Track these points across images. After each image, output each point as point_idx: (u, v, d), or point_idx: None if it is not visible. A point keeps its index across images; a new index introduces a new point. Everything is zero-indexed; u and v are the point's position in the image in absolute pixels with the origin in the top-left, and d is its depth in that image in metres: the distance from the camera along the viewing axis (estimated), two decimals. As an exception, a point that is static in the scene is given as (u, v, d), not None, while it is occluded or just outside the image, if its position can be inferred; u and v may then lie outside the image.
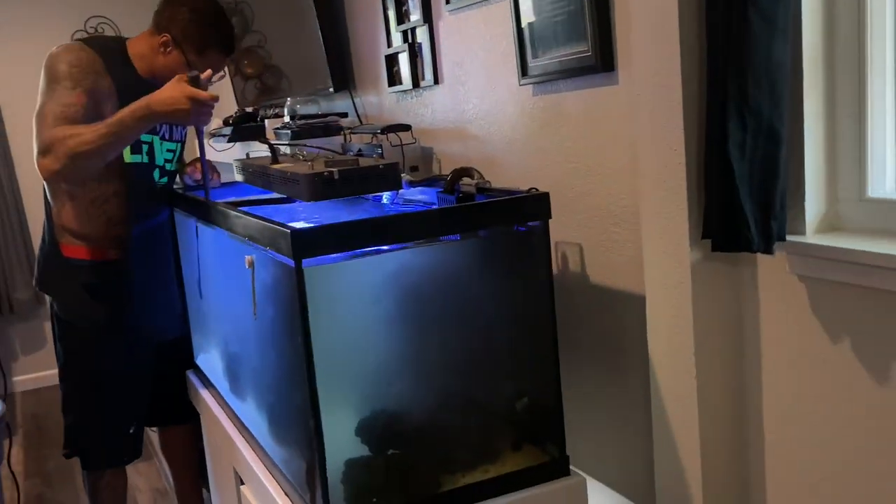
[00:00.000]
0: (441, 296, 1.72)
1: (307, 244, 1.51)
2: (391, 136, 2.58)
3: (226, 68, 2.57)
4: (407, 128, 2.56)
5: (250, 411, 2.10)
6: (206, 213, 2.16)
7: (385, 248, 1.62)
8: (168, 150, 2.57)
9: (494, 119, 2.24)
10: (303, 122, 2.94)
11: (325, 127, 2.93)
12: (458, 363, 1.74)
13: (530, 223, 1.71)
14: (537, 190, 1.71)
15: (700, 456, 1.60)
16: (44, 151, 2.20)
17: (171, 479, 3.08)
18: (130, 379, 2.56)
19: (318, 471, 1.57)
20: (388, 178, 2.00)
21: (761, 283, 1.52)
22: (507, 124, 2.18)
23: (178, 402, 2.73)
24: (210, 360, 2.53)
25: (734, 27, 1.29)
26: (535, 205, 1.68)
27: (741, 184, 1.33)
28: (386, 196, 2.22)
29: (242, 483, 2.09)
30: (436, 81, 2.49)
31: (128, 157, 2.43)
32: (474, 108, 2.33)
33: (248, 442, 2.07)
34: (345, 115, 3.07)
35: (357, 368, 1.67)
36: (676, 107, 1.50)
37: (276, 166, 2.22)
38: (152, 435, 3.95)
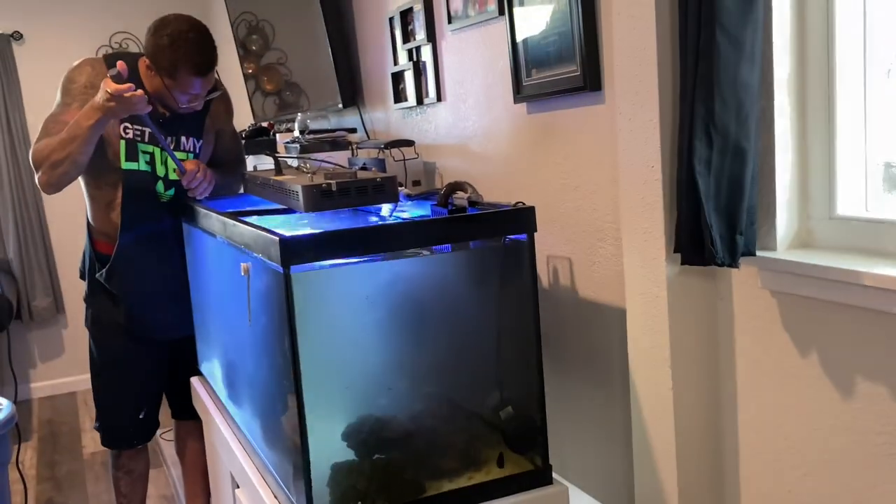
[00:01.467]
0: (428, 305, 1.77)
1: (295, 251, 1.56)
2: (395, 150, 2.65)
3: (218, 85, 2.65)
4: (410, 143, 2.63)
5: (246, 416, 2.15)
6: (205, 221, 2.23)
7: (373, 257, 1.68)
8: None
9: (492, 135, 2.29)
10: (311, 136, 3.02)
11: (332, 142, 3.01)
12: (444, 371, 1.79)
13: (516, 236, 1.75)
14: (524, 204, 1.76)
15: (676, 465, 1.63)
16: (35, 168, 2.47)
17: (180, 480, 3.15)
18: (131, 370, 2.70)
19: (303, 474, 1.62)
20: (385, 190, 2.05)
21: (734, 298, 1.56)
22: (504, 141, 2.23)
23: (188, 397, 2.80)
24: (211, 366, 2.59)
25: (703, 48, 1.34)
26: (521, 218, 1.73)
27: (706, 199, 1.37)
28: (386, 209, 2.28)
29: (238, 487, 2.14)
30: (439, 98, 2.55)
31: (123, 163, 2.53)
32: (474, 124, 2.38)
33: (243, 447, 2.12)
34: (353, 130, 3.14)
35: (344, 374, 1.72)
36: (653, 125, 1.55)
37: (277, 178, 2.28)
38: (161, 442, 4.03)
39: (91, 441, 4.49)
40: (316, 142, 2.96)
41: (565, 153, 1.98)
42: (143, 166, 2.57)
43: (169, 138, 2.63)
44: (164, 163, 2.62)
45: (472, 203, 1.92)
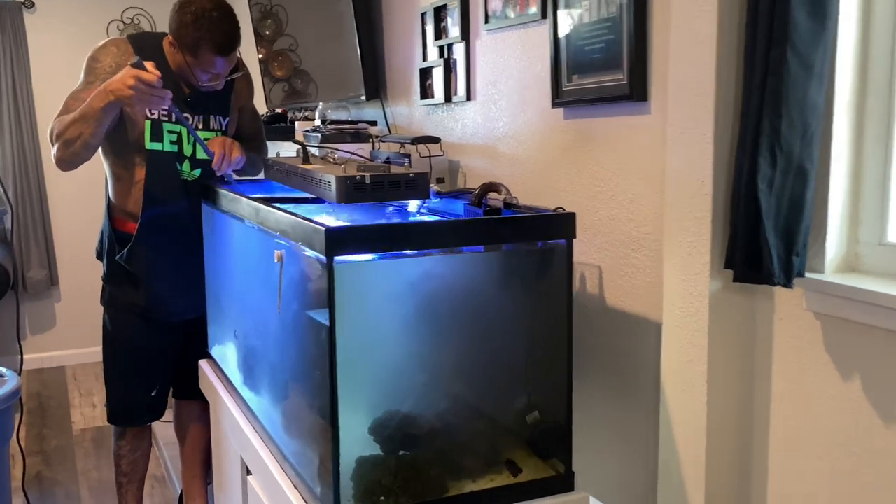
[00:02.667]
0: (462, 305, 1.76)
1: (340, 242, 1.55)
2: (419, 147, 2.64)
3: (240, 66, 2.65)
4: (436, 140, 2.62)
5: (264, 403, 2.14)
6: (233, 205, 2.21)
7: (413, 252, 1.67)
8: (204, 139, 2.62)
9: (524, 138, 2.29)
10: (333, 126, 3.00)
11: (354, 133, 3.00)
12: (473, 371, 1.79)
13: (554, 241, 1.75)
14: (563, 209, 1.76)
15: (705, 481, 1.63)
16: (51, 143, 2.50)
17: (172, 460, 3.14)
18: (146, 348, 2.71)
19: (332, 466, 1.61)
20: (417, 186, 2.05)
21: (777, 317, 1.57)
22: (536, 145, 2.23)
23: (196, 378, 2.80)
24: (224, 350, 2.58)
25: (772, 67, 1.34)
26: (561, 224, 1.73)
27: (767, 218, 1.37)
28: (413, 204, 2.26)
29: (250, 473, 2.13)
30: (468, 98, 2.54)
31: (147, 143, 2.53)
32: (505, 126, 2.38)
33: (257, 433, 2.11)
34: (374, 123, 3.13)
35: (374, 368, 1.71)
36: (707, 139, 1.55)
37: (307, 167, 2.27)
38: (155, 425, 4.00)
39: (80, 417, 4.45)
40: (337, 132, 2.95)
41: (602, 161, 1.98)
42: (167, 146, 2.56)
43: (197, 117, 2.63)
44: (192, 142, 2.60)
45: (508, 205, 1.91)
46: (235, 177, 2.74)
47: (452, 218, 1.85)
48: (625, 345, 1.94)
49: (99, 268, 2.74)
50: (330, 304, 1.57)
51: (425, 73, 2.78)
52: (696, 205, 1.59)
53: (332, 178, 1.98)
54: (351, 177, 1.98)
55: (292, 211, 1.83)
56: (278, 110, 3.86)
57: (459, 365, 1.78)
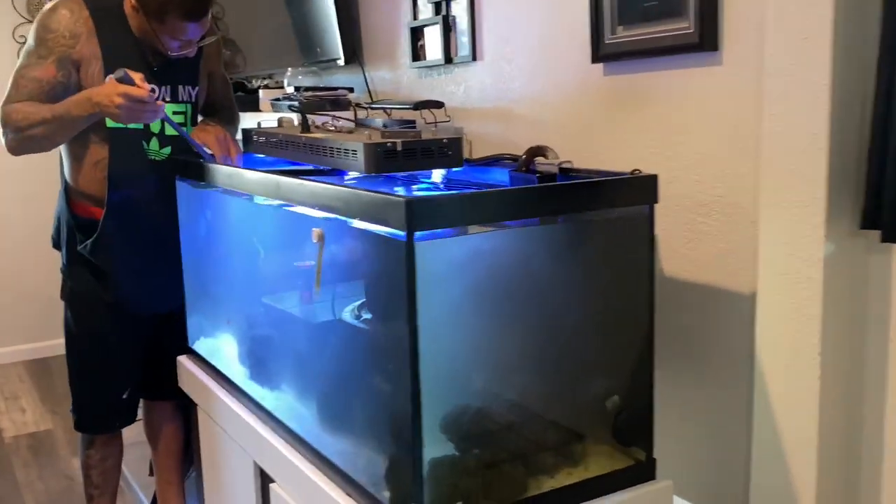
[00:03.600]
0: (535, 283, 1.57)
1: (423, 216, 1.34)
2: (414, 114, 2.43)
3: (214, 30, 2.39)
4: (439, 105, 2.40)
5: (287, 400, 1.91)
6: (241, 181, 1.96)
7: (491, 226, 1.47)
8: (173, 114, 2.35)
9: (548, 100, 2.10)
10: (311, 94, 2.75)
11: (334, 101, 2.76)
12: (548, 356, 1.61)
13: (635, 207, 1.58)
14: (640, 171, 1.59)
15: (817, 467, 1.49)
16: (2, 125, 2.20)
17: (133, 464, 2.89)
18: (115, 346, 2.45)
19: (414, 470, 1.41)
20: (452, 153, 1.86)
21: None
22: (567, 106, 2.05)
23: (170, 375, 2.55)
24: (215, 344, 2.32)
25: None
26: (643, 188, 1.56)
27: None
28: (437, 175, 2.06)
29: (272, 481, 1.89)
30: (473, 58, 2.35)
31: (110, 121, 2.25)
32: (522, 87, 2.19)
33: (280, 435, 1.88)
34: (350, 90, 2.89)
35: (447, 357, 1.50)
36: (822, 89, 1.40)
37: (315, 135, 2.04)
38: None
39: (10, 423, 4.08)
40: (316, 100, 2.70)
41: (658, 119, 1.82)
42: (132, 124, 2.28)
43: (164, 88, 2.36)
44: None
45: (564, 170, 1.73)
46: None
47: (535, 185, 1.64)
48: (694, 319, 1.79)
49: (14, 255, 2.44)
50: (409, 288, 1.36)
51: (416, 33, 2.57)
52: (805, 162, 1.45)
53: (359, 146, 1.77)
54: (381, 144, 1.77)
55: (335, 181, 1.61)
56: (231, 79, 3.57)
57: (534, 350, 1.59)
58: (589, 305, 1.61)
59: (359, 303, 1.68)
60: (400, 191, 1.90)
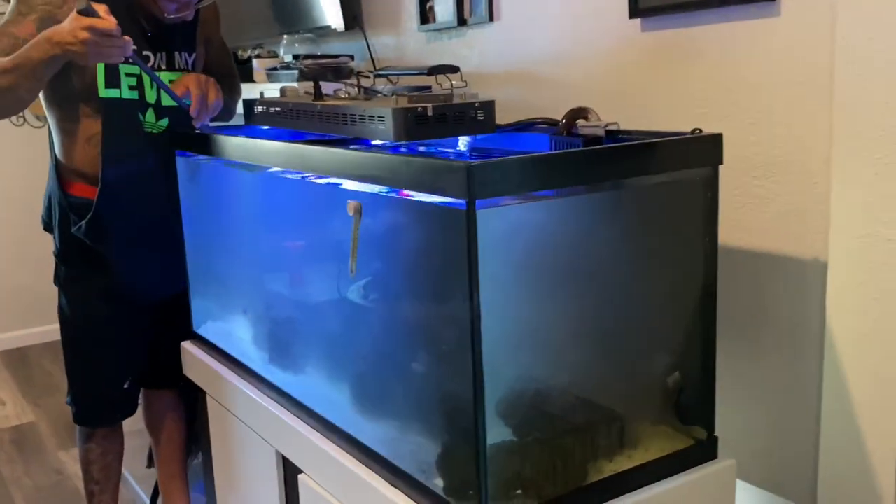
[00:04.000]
0: (594, 254, 1.46)
1: (485, 182, 1.22)
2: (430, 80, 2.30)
3: None
4: (455, 69, 2.27)
5: (316, 386, 1.78)
6: (258, 152, 1.83)
7: (553, 193, 1.35)
8: (169, 83, 2.20)
9: (576, 61, 1.99)
10: (312, 62, 2.61)
11: (336, 69, 2.62)
12: (609, 332, 1.50)
13: (699, 170, 1.47)
14: (701, 131, 1.47)
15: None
16: None
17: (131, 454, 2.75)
18: (115, 334, 2.30)
19: (477, 458, 1.30)
20: (484, 118, 1.74)
21: None
22: (597, 66, 1.93)
23: (172, 363, 2.42)
24: (226, 327, 2.19)
25: None
26: (708, 148, 1.45)
27: None
28: (462, 143, 1.93)
29: (299, 472, 1.77)
30: (490, 18, 2.22)
31: (102, 90, 2.09)
32: (545, 48, 2.07)
33: (307, 423, 1.75)
34: (351, 57, 2.76)
35: (503, 336, 1.39)
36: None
37: (333, 102, 1.91)
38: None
39: (-9, 415, 3.91)
40: (318, 68, 2.56)
41: (705, 77, 1.71)
42: (126, 93, 2.13)
43: (159, 55, 2.20)
44: (156, 87, 2.18)
45: (611, 133, 1.61)
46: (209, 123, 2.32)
47: (587, 147, 1.52)
48: (749, 287, 1.69)
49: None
50: (470, 263, 1.24)
51: (424, -5, 2.43)
52: (888, 114, 1.34)
53: (387, 112, 1.64)
54: (411, 108, 1.64)
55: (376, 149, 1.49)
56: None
57: (593, 326, 1.48)
58: (649, 277, 1.50)
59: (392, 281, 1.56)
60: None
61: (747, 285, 1.68)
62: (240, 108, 2.35)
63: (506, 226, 1.32)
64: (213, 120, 2.33)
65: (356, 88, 2.03)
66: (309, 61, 2.63)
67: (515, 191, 1.27)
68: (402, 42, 2.58)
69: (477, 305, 1.25)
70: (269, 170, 1.86)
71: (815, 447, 1.56)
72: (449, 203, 1.26)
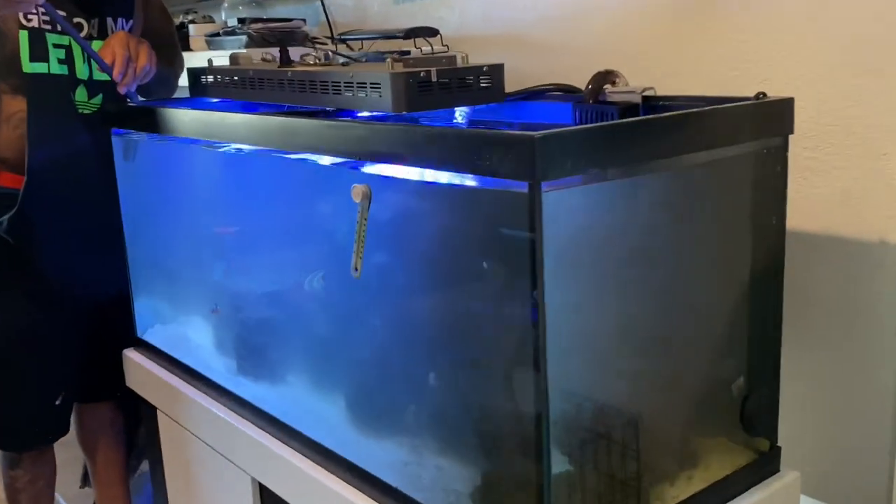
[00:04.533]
0: (659, 243, 1.22)
1: (554, 159, 0.98)
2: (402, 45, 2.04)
3: None
4: (435, 32, 2.02)
5: (301, 401, 1.52)
6: (228, 127, 1.54)
7: (621, 173, 1.11)
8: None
9: (577, 20, 1.77)
10: (261, 26, 2.33)
11: (289, 33, 2.35)
12: (677, 333, 1.27)
13: (768, 140, 1.26)
14: (765, 95, 1.26)
15: None
16: None
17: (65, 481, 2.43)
18: (45, 344, 2.00)
19: (541, 493, 1.07)
20: (493, 85, 1.52)
21: None
22: (604, 25, 1.72)
23: (110, 374, 2.12)
24: (181, 333, 1.90)
25: None
26: (779, 114, 1.24)
27: None
28: (461, 114, 1.68)
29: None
30: (472, -27, 1.97)
31: (27, 65, 1.81)
32: (539, 7, 1.83)
33: (292, 447, 1.49)
34: (303, 21, 2.47)
35: (566, 343, 1.14)
36: None
37: (304, 69, 1.64)
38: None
39: None
40: (268, 32, 2.28)
41: (740, 34, 1.50)
42: (55, 67, 1.84)
43: (92, 22, 1.89)
44: (88, 59, 1.87)
45: (647, 99, 1.39)
46: (140, 97, 2.02)
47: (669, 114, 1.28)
48: (806, 274, 1.49)
49: None
50: (532, 256, 1.00)
51: (390, -49, 2.17)
52: None
53: (384, 77, 1.39)
54: (413, 73, 1.40)
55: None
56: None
57: (660, 328, 1.25)
58: (717, 268, 1.29)
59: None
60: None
61: (808, 271, 1.49)
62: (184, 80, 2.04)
63: (571, 212, 1.08)
64: (147, 94, 2.04)
65: (330, 53, 1.75)
66: (258, 25, 2.35)
67: (585, 169, 1.03)
68: (364, 4, 2.31)
69: (542, 308, 1.01)
70: (232, 148, 1.58)
71: (892, 461, 1.37)
72: (501, 184, 1.02)
